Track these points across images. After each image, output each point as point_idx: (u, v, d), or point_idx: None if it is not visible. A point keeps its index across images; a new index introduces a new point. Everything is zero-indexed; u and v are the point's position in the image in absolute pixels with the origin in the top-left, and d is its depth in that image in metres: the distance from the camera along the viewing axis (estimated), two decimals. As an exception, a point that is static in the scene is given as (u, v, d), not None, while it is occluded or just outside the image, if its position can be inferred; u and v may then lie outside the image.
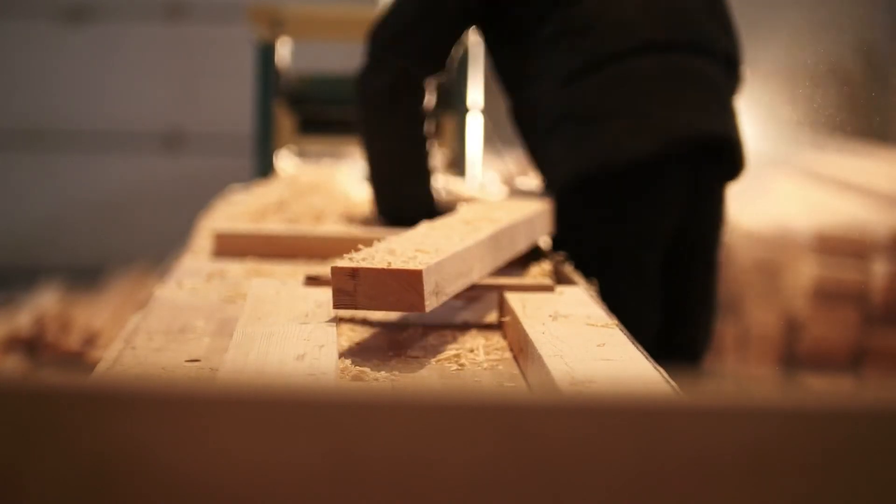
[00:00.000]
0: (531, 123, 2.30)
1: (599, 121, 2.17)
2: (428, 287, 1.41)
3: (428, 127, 2.30)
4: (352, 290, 1.41)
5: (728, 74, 2.30)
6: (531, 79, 2.27)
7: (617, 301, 2.03)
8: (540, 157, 2.28)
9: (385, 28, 2.28)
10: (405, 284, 1.40)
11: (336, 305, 1.42)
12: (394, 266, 1.41)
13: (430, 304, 1.42)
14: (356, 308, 1.42)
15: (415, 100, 2.27)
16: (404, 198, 2.29)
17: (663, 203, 2.22)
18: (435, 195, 2.31)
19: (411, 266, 1.41)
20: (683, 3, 2.26)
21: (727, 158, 2.27)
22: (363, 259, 1.45)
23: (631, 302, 2.18)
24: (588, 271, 2.06)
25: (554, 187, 2.24)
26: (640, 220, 2.21)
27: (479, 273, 1.65)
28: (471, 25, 2.32)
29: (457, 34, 2.30)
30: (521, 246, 1.93)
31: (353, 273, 1.41)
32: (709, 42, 2.26)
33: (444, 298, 1.48)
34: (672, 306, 2.32)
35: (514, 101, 2.35)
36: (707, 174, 2.26)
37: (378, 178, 2.31)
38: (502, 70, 2.36)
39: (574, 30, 2.22)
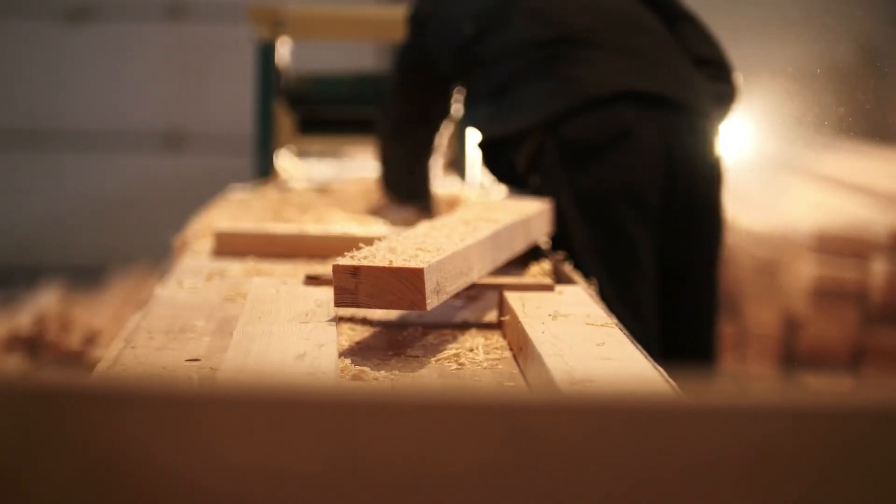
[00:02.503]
0: (472, 114, 2.46)
1: (524, 88, 2.31)
2: (429, 286, 1.41)
3: (438, 140, 2.69)
4: (353, 288, 1.42)
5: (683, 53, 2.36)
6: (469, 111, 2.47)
7: (613, 283, 2.05)
8: (478, 135, 2.43)
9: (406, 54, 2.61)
10: (406, 283, 1.41)
11: (338, 303, 1.42)
12: (395, 264, 1.41)
13: (431, 302, 1.42)
14: (357, 306, 1.42)
15: (432, 126, 2.65)
16: (410, 181, 2.70)
17: (635, 167, 2.24)
18: (431, 188, 2.70)
19: (413, 264, 1.41)
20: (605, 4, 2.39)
21: (694, 126, 2.29)
22: (364, 257, 1.45)
23: (626, 281, 2.19)
24: (582, 258, 2.10)
25: (482, 146, 2.41)
26: (615, 180, 2.23)
27: (478, 272, 1.65)
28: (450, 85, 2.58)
29: (438, 95, 2.60)
30: (520, 246, 1.93)
31: (355, 271, 1.41)
32: (638, 23, 2.35)
33: (444, 297, 1.48)
34: (670, 295, 2.32)
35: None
36: (678, 140, 2.27)
37: (389, 167, 2.71)
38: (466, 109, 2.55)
39: (490, 61, 2.40)
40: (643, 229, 2.23)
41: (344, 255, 1.47)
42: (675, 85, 2.28)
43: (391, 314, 1.64)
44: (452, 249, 1.54)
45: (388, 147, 2.71)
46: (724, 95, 2.35)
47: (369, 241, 1.58)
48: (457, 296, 1.72)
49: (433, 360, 1.44)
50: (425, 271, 1.40)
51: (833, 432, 0.78)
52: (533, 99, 2.28)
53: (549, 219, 2.19)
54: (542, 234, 2.12)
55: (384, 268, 1.41)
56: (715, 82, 2.35)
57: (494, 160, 2.38)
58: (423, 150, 2.69)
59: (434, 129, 2.66)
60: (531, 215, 2.04)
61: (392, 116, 2.66)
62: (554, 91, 2.27)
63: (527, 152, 2.28)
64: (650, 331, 2.20)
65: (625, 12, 2.37)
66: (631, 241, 2.22)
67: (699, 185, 2.29)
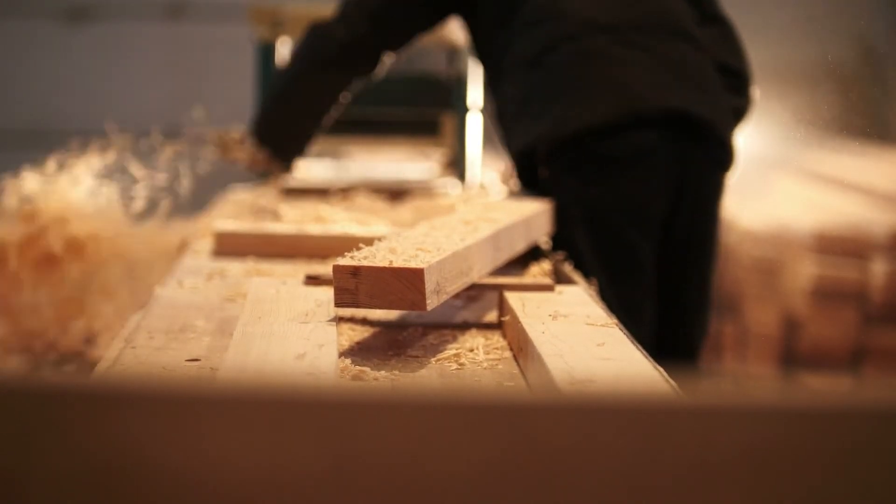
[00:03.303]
0: (503, 112, 2.37)
1: (558, 95, 2.23)
2: (429, 286, 1.42)
3: (344, 95, 2.53)
4: (353, 288, 1.42)
5: (719, 73, 2.31)
6: (502, 71, 2.33)
7: (613, 288, 2.04)
8: (509, 140, 2.35)
9: None
10: (406, 283, 1.41)
11: (338, 304, 1.43)
12: (395, 264, 1.41)
13: (432, 302, 1.42)
14: (357, 306, 1.42)
15: (358, 68, 2.48)
16: (285, 132, 2.59)
17: (650, 184, 2.23)
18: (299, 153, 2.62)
19: (413, 264, 1.41)
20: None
21: (714, 146, 2.28)
22: (364, 258, 1.45)
23: (626, 288, 2.19)
24: (583, 261, 2.09)
25: (516, 157, 2.32)
26: (627, 196, 2.23)
27: (479, 272, 1.65)
28: (442, 18, 2.44)
29: (425, 23, 2.44)
30: (520, 246, 1.94)
31: (355, 271, 1.42)
32: (675, 24, 2.30)
33: (444, 297, 1.48)
34: (666, 301, 2.32)
35: (493, 95, 2.42)
36: (695, 160, 2.26)
37: (277, 103, 2.56)
38: (483, 61, 2.45)
39: (532, 21, 2.28)
40: (645, 240, 2.24)
41: (344, 256, 1.47)
42: (705, 104, 2.26)
43: (391, 314, 1.64)
44: (452, 249, 1.54)
45: (308, 74, 2.50)
46: (740, 109, 2.34)
47: (369, 242, 1.58)
48: (457, 296, 1.72)
49: (433, 360, 1.44)
50: (425, 271, 1.41)
51: (833, 432, 0.79)
52: (572, 97, 2.23)
53: (549, 219, 2.20)
54: (542, 234, 2.13)
55: (384, 268, 1.41)
56: (734, 94, 2.33)
57: (525, 167, 2.33)
58: (339, 92, 2.52)
59: (369, 68, 2.50)
60: (531, 215, 2.04)
61: (352, 31, 2.46)
62: (596, 96, 2.22)
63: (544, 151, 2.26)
64: (646, 337, 2.21)
65: (665, 6, 2.33)
66: (633, 251, 2.23)
67: (704, 201, 2.30)
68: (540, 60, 2.26)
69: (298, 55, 2.53)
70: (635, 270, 2.23)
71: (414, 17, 2.44)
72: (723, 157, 2.30)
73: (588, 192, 2.22)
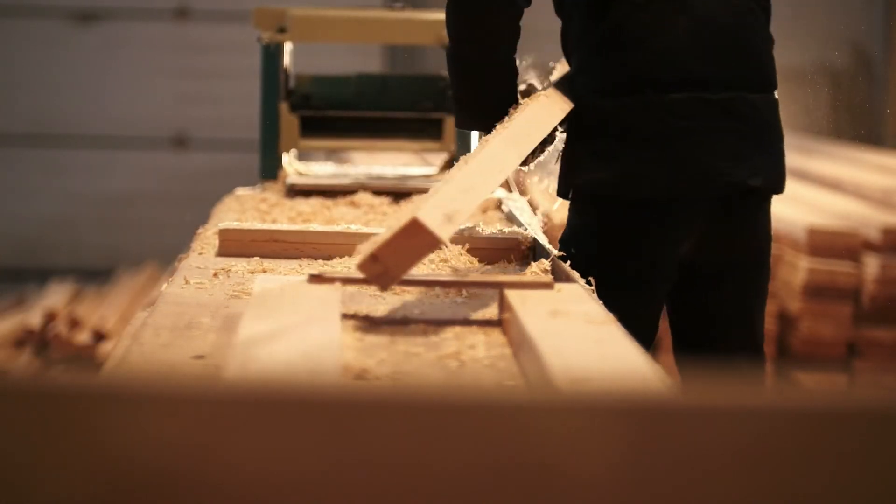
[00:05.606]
0: (568, 87, 2.26)
1: (624, 145, 2.15)
2: (433, 222, 1.54)
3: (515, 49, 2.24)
4: (382, 271, 1.55)
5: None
6: (582, 70, 2.23)
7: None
8: (566, 155, 2.25)
9: None
10: (414, 234, 1.54)
11: (384, 289, 1.60)
12: (395, 228, 1.54)
13: (446, 232, 1.56)
14: (397, 281, 1.56)
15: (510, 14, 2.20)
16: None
17: (670, 239, 2.19)
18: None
19: (405, 219, 1.55)
20: (734, 35, 2.19)
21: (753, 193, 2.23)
22: (374, 242, 1.57)
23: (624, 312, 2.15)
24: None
25: (562, 190, 2.25)
26: (643, 252, 2.19)
27: (490, 183, 1.77)
28: None
29: None
30: (534, 141, 2.00)
31: (374, 257, 1.54)
32: (762, 76, 2.22)
33: (461, 220, 1.62)
34: (698, 333, 2.28)
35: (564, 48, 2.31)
36: (725, 207, 2.20)
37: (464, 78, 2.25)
38: (565, 43, 2.31)
39: (624, 44, 2.17)
40: (660, 273, 2.21)
41: (356, 253, 1.55)
42: (772, 173, 2.21)
43: (392, 313, 1.67)
44: (455, 176, 1.69)
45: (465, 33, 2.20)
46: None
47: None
48: (457, 293, 1.75)
49: (434, 356, 1.45)
50: (419, 216, 1.54)
51: (831, 432, 0.79)
52: (645, 159, 2.14)
53: (563, 104, 2.17)
54: (553, 123, 2.12)
55: (391, 237, 1.54)
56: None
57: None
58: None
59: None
60: (543, 107, 2.08)
61: None
62: (670, 167, 2.14)
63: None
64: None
65: (758, 62, 2.23)
66: (643, 281, 2.20)
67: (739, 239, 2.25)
68: (618, 94, 2.16)
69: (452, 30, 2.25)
70: (642, 290, 2.21)
71: None
72: (764, 208, 2.27)
73: (605, 247, 2.18)
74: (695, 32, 2.16)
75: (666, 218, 2.17)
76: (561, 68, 2.37)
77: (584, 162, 2.19)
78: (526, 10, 2.21)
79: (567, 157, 2.23)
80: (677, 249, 2.19)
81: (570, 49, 2.28)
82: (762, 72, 2.22)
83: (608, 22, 2.17)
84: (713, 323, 2.28)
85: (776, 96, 2.25)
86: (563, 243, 2.23)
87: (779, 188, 2.25)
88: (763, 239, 2.28)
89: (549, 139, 2.18)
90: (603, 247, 2.19)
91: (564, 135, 2.24)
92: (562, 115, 2.15)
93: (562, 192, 2.25)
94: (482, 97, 2.22)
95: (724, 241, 2.22)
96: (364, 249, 1.57)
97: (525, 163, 2.20)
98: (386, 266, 1.54)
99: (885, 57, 7.37)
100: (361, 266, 1.56)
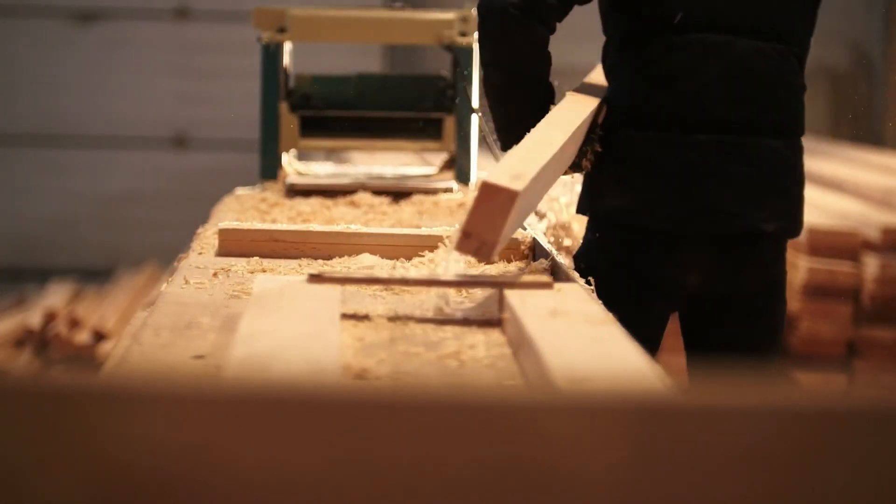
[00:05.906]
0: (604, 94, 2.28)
1: (644, 176, 2.19)
2: (503, 178, 1.67)
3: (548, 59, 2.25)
4: (478, 244, 1.64)
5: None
6: (615, 96, 2.25)
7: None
8: (590, 176, 2.28)
9: None
10: (488, 197, 1.65)
11: (487, 262, 1.78)
12: (475, 202, 1.65)
13: (517, 185, 1.66)
14: (497, 243, 1.65)
15: (541, 27, 2.20)
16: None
17: (677, 270, 2.22)
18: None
19: (479, 184, 1.68)
20: (765, 81, 2.21)
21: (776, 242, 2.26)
22: (459, 222, 1.70)
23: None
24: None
25: (582, 208, 2.30)
26: (648, 277, 2.22)
27: (544, 153, 1.84)
28: None
29: None
30: (575, 122, 2.06)
31: (467, 234, 1.65)
32: (788, 122, 2.24)
33: (532, 174, 1.71)
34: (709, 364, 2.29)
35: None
36: (735, 247, 2.23)
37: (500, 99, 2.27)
38: (604, 57, 2.33)
39: (656, 81, 2.20)
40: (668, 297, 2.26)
41: (447, 240, 1.81)
42: (786, 217, 2.23)
43: (392, 313, 1.67)
44: (508, 154, 1.83)
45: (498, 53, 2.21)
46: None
47: (373, 240, 1.62)
48: (458, 292, 1.76)
49: (434, 356, 1.45)
50: (488, 178, 1.66)
51: (831, 432, 0.79)
52: (666, 193, 2.18)
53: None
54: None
55: (472, 209, 1.65)
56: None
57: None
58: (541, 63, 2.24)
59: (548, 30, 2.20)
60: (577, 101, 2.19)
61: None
62: (676, 204, 2.18)
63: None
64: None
65: (787, 104, 2.24)
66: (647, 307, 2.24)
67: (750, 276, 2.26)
68: (645, 126, 2.20)
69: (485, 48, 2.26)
70: (646, 306, 2.24)
71: None
72: (779, 248, 2.27)
73: (611, 267, 2.22)
74: (725, 77, 2.19)
75: (675, 249, 2.21)
76: (597, 73, 2.40)
77: (605, 186, 2.24)
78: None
79: (591, 178, 2.28)
80: (684, 280, 2.23)
81: (607, 68, 2.33)
82: (789, 118, 2.24)
83: (643, 57, 2.21)
84: (721, 357, 2.30)
85: (801, 143, 2.27)
86: (577, 259, 2.29)
87: (794, 233, 2.27)
88: (774, 276, 2.29)
89: (591, 138, 2.21)
90: (610, 266, 2.22)
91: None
92: (596, 104, 2.20)
93: (581, 210, 2.32)
94: (514, 119, 2.24)
95: (732, 279, 2.25)
96: (452, 237, 1.69)
97: (574, 167, 2.25)
98: (480, 238, 1.64)
99: (885, 57, 7.38)
100: (459, 247, 1.65)
